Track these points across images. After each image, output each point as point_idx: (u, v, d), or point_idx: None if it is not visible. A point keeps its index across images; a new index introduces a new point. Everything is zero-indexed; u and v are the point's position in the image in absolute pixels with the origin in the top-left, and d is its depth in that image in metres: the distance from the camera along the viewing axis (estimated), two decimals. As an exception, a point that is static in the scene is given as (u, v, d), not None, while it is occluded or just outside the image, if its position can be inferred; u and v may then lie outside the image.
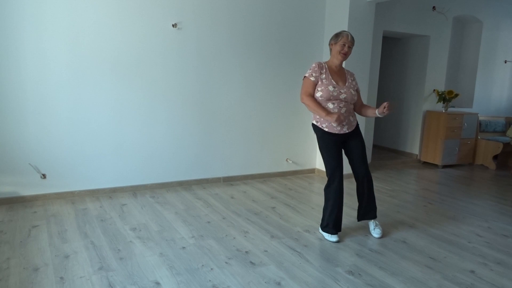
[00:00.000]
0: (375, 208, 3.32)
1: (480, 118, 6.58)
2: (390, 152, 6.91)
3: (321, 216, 3.68)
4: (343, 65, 3.44)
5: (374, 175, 5.40)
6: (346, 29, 4.79)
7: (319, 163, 5.38)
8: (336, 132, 3.08)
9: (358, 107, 3.26)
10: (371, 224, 3.34)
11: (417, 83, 6.45)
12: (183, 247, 2.94)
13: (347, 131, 3.11)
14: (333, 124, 3.03)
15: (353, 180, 3.39)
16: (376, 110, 3.11)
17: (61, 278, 2.45)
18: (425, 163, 6.39)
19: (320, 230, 3.28)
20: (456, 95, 6.13)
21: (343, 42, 3.02)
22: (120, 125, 4.11)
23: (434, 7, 6.05)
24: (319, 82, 3.04)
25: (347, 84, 3.12)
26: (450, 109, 6.36)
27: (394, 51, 6.85)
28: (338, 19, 4.92)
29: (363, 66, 5.03)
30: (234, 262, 2.73)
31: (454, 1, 6.23)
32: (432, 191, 4.76)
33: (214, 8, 4.39)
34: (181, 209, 3.77)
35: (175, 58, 4.27)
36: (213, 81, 4.52)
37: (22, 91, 3.64)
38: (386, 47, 6.73)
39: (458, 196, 4.58)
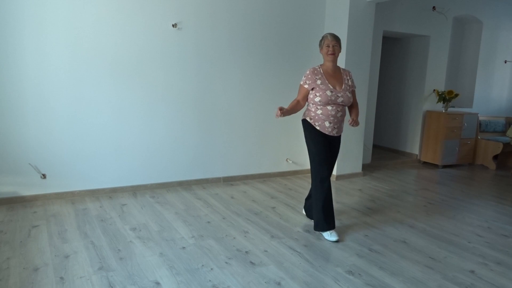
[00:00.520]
0: (333, 216, 3.23)
1: (480, 118, 6.58)
2: (390, 152, 6.91)
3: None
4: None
5: (374, 175, 5.41)
6: (346, 29, 4.79)
7: (319, 163, 5.37)
8: (326, 133, 3.19)
9: (349, 104, 3.30)
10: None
11: (417, 83, 6.45)
12: (183, 247, 2.94)
13: (335, 135, 3.24)
14: (325, 126, 3.16)
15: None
16: (350, 118, 3.22)
17: (61, 278, 2.45)
18: (425, 163, 6.39)
19: (316, 230, 3.24)
20: (456, 95, 6.13)
21: (327, 43, 3.18)
22: (120, 125, 4.11)
23: (434, 7, 6.05)
24: (316, 88, 3.14)
25: (343, 87, 3.19)
26: (450, 109, 6.36)
27: (394, 51, 6.85)
28: (338, 19, 4.92)
29: (363, 66, 5.04)
30: (234, 262, 2.73)
31: (454, 1, 6.23)
32: (432, 191, 4.76)
33: (214, 8, 4.39)
34: (181, 209, 3.77)
35: (175, 58, 4.27)
36: (213, 81, 4.52)
37: (22, 91, 3.64)
38: (386, 47, 6.73)
39: (458, 196, 4.58)
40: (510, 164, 6.52)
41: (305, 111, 3.31)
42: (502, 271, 2.76)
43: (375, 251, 3.00)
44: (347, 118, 3.52)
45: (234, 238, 3.15)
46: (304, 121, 3.28)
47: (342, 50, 4.82)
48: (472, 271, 2.74)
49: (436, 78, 6.40)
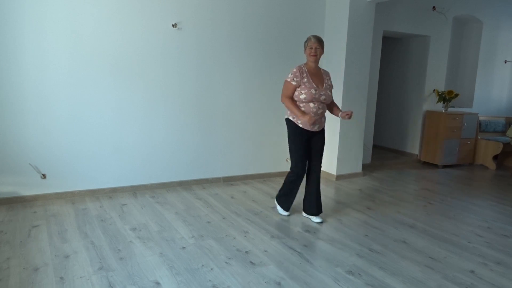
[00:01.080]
0: (321, 202, 3.64)
1: (480, 118, 6.58)
2: (390, 152, 6.91)
3: (321, 216, 3.70)
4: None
5: (374, 175, 5.41)
6: (346, 29, 4.80)
7: (319, 163, 5.38)
8: (308, 129, 3.41)
9: (329, 102, 3.54)
10: (315, 218, 3.60)
11: (417, 83, 6.45)
12: (183, 247, 2.94)
13: (317, 130, 3.47)
14: (307, 122, 3.35)
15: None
16: (340, 113, 3.45)
17: (61, 278, 2.45)
18: (425, 163, 6.39)
19: (275, 201, 3.75)
20: (456, 95, 6.13)
21: (310, 45, 3.38)
22: (120, 125, 4.11)
23: (434, 7, 6.05)
24: (302, 86, 3.34)
25: (324, 86, 3.44)
26: (450, 109, 6.36)
27: (394, 51, 6.85)
28: (338, 19, 4.92)
29: (363, 66, 5.04)
30: (234, 262, 2.73)
31: (454, 1, 6.23)
32: (432, 191, 4.76)
33: (214, 8, 4.39)
34: (181, 209, 3.77)
35: (175, 58, 4.27)
36: (213, 81, 4.52)
37: (22, 91, 3.64)
38: (386, 47, 6.73)
39: (458, 196, 4.58)
40: (510, 164, 6.52)
41: (288, 110, 3.48)
42: (502, 271, 2.76)
43: (375, 251, 3.00)
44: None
45: (234, 238, 3.15)
46: (287, 120, 3.49)
47: (342, 50, 4.87)
48: (472, 271, 2.74)
49: (436, 78, 6.40)
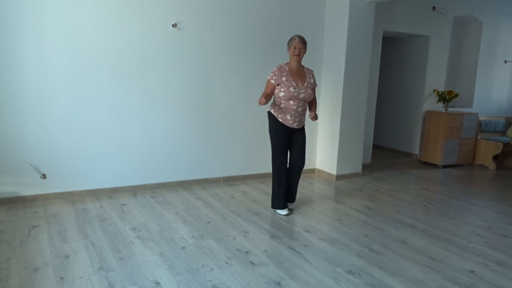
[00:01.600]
0: (296, 193, 3.88)
1: (480, 118, 6.58)
2: (390, 152, 6.91)
3: (321, 216, 3.73)
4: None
5: (374, 175, 5.41)
6: (346, 29, 4.80)
7: (319, 163, 5.38)
8: (287, 125, 3.54)
9: (310, 100, 3.68)
10: (290, 205, 3.85)
11: (417, 83, 6.45)
12: (183, 247, 2.94)
13: (296, 127, 3.59)
14: (286, 118, 3.52)
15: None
16: (310, 112, 3.65)
17: (61, 278, 2.45)
18: (425, 163, 6.39)
19: (276, 210, 3.75)
20: (456, 95, 6.13)
21: (294, 45, 3.51)
22: (120, 125, 4.11)
23: (434, 7, 6.05)
24: (281, 84, 3.47)
25: (305, 84, 3.55)
26: (450, 109, 6.36)
27: (394, 51, 6.85)
28: (338, 19, 4.92)
29: (363, 66, 5.03)
30: (234, 262, 2.73)
31: (454, 1, 6.23)
32: (432, 191, 4.76)
33: (214, 8, 4.39)
34: (181, 209, 3.77)
35: (175, 58, 4.27)
36: (213, 81, 4.52)
37: (22, 91, 3.64)
38: (386, 47, 6.73)
39: (458, 196, 4.58)
40: (510, 164, 6.52)
41: (271, 104, 3.66)
42: (502, 271, 2.76)
43: (375, 251, 3.00)
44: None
45: (234, 238, 3.15)
46: (269, 113, 3.64)
47: (342, 50, 4.87)
48: (472, 271, 2.74)
49: (436, 78, 6.40)
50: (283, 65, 3.56)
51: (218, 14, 4.42)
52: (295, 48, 3.50)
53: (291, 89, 3.47)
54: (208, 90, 4.51)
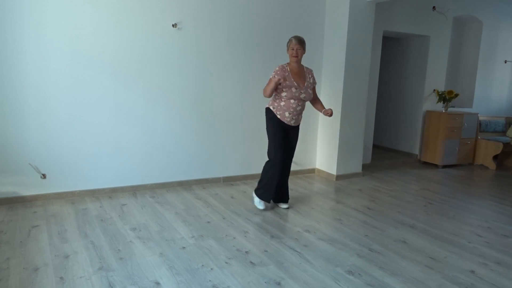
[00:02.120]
0: (288, 192, 3.96)
1: (480, 118, 6.58)
2: (390, 152, 6.91)
3: (321, 216, 3.73)
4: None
5: (374, 175, 5.41)
6: (346, 29, 4.80)
7: (319, 163, 5.38)
8: (285, 122, 3.61)
9: (312, 98, 3.78)
10: (283, 205, 3.92)
11: (417, 83, 6.45)
12: (183, 247, 2.94)
13: (293, 125, 3.69)
14: (284, 115, 3.59)
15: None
16: (323, 110, 3.69)
17: (61, 278, 2.45)
18: (425, 163, 6.39)
19: (253, 194, 3.84)
20: (456, 95, 6.13)
21: (292, 47, 3.57)
22: (120, 125, 4.11)
23: (434, 7, 6.05)
24: (283, 83, 3.52)
25: (306, 84, 3.63)
26: (450, 109, 6.36)
27: (394, 51, 6.85)
28: (338, 19, 4.92)
29: (363, 66, 5.03)
30: (234, 262, 2.73)
31: (454, 1, 6.23)
32: (432, 191, 4.76)
33: (214, 8, 4.39)
34: (181, 209, 3.77)
35: (175, 58, 4.27)
36: (213, 80, 4.52)
37: (23, 91, 3.64)
38: (386, 47, 6.73)
39: (458, 196, 4.58)
40: (510, 164, 6.52)
41: (270, 101, 3.71)
42: (502, 271, 2.76)
43: (375, 251, 3.00)
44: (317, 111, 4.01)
45: (234, 238, 3.15)
46: (268, 109, 3.70)
47: (342, 50, 4.87)
48: (472, 271, 2.74)
49: (436, 78, 6.40)
50: (285, 65, 3.61)
51: (218, 14, 4.42)
52: (292, 49, 3.57)
53: (293, 89, 3.54)
54: (208, 90, 4.51)
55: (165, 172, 4.42)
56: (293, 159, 5.17)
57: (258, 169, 4.99)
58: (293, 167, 5.21)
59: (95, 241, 3.00)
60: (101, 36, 3.88)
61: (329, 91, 5.10)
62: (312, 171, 5.41)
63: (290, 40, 3.61)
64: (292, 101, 3.56)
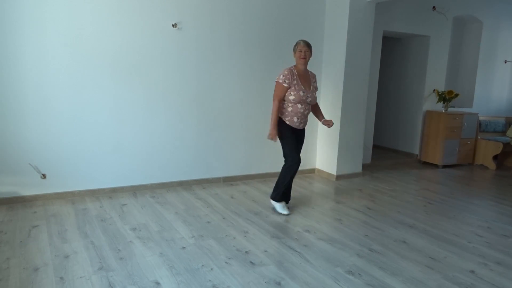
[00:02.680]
0: (290, 194, 3.99)
1: (480, 118, 6.58)
2: (390, 152, 6.91)
3: (321, 216, 3.73)
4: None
5: (374, 175, 5.41)
6: (346, 29, 4.80)
7: (319, 163, 5.38)
8: (294, 127, 3.68)
9: (314, 103, 3.82)
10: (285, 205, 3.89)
11: (417, 83, 6.45)
12: (183, 247, 2.94)
13: (301, 128, 3.75)
14: (293, 120, 3.64)
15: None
16: (322, 120, 3.84)
17: (61, 278, 2.45)
18: (425, 163, 6.39)
19: (272, 202, 3.81)
20: (456, 95, 6.13)
21: (300, 49, 3.60)
22: (120, 125, 4.11)
23: (434, 7, 6.05)
24: (292, 87, 3.55)
25: (311, 88, 3.69)
26: (450, 109, 6.36)
27: (394, 51, 6.85)
28: (338, 19, 4.92)
29: (363, 66, 5.03)
30: (234, 262, 2.73)
31: (454, 1, 6.23)
32: (432, 191, 4.76)
33: (214, 8, 4.39)
34: (181, 209, 3.77)
35: (175, 58, 4.27)
36: (213, 81, 4.52)
37: (22, 91, 3.64)
38: (386, 47, 6.73)
39: (458, 196, 4.58)
40: (510, 164, 6.52)
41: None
42: (502, 271, 2.76)
43: (375, 251, 3.00)
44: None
45: (234, 238, 3.15)
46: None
47: (342, 50, 4.87)
48: (472, 271, 2.74)
49: (436, 78, 6.40)
50: (292, 68, 3.62)
51: (218, 14, 4.42)
52: (300, 51, 3.58)
53: (301, 93, 3.56)
54: (208, 90, 4.51)
55: (165, 172, 4.42)
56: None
57: (258, 169, 5.02)
58: (293, 167, 5.23)
59: (95, 241, 3.00)
60: (101, 36, 3.88)
61: (329, 91, 5.10)
62: (312, 171, 5.41)
63: (297, 43, 3.63)
64: (299, 105, 3.59)
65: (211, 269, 2.62)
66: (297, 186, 4.71)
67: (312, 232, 3.33)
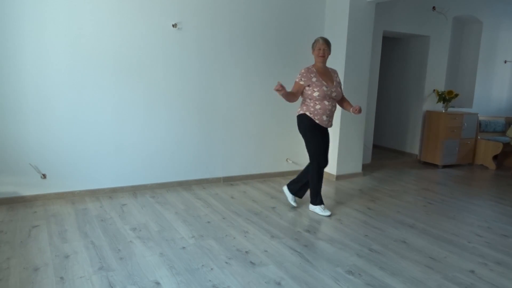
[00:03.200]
0: (305, 193, 3.98)
1: (480, 118, 6.58)
2: (390, 152, 6.91)
3: (321, 216, 3.71)
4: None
5: (374, 175, 5.41)
6: (346, 29, 4.80)
7: (319, 163, 5.38)
8: (323, 126, 3.63)
9: (340, 98, 3.78)
10: (294, 201, 3.95)
11: (417, 83, 6.44)
12: (183, 247, 2.94)
13: (329, 126, 3.73)
14: (323, 119, 3.59)
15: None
16: (351, 108, 3.65)
17: (61, 278, 2.45)
18: (425, 163, 6.39)
19: (314, 207, 3.79)
20: (456, 95, 6.13)
21: (319, 47, 3.60)
22: (120, 125, 4.11)
23: (434, 7, 6.05)
24: (312, 85, 3.54)
25: (334, 83, 3.66)
26: (450, 109, 6.36)
27: (394, 51, 6.85)
28: (338, 19, 4.92)
29: (363, 66, 5.03)
30: (234, 262, 2.73)
31: (454, 1, 6.23)
32: (432, 191, 4.76)
33: (214, 8, 4.39)
34: (181, 209, 3.77)
35: (175, 58, 4.27)
36: (213, 81, 4.52)
37: (23, 91, 3.64)
38: (386, 47, 6.73)
39: (458, 196, 4.58)
40: (510, 164, 6.52)
41: (302, 107, 3.67)
42: (502, 271, 2.76)
43: (375, 251, 3.00)
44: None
45: (234, 238, 3.15)
46: (303, 116, 3.64)
47: (342, 50, 4.87)
48: (472, 271, 2.74)
49: (436, 78, 6.40)
50: (310, 67, 3.64)
51: (218, 14, 4.42)
52: (319, 49, 3.59)
53: (324, 88, 3.54)
54: (208, 90, 4.51)
55: (165, 172, 4.42)
56: (293, 159, 5.22)
57: (258, 169, 5.02)
58: (294, 167, 5.24)
59: (95, 241, 3.00)
60: (101, 36, 3.88)
61: (329, 91, 5.09)
62: (312, 171, 5.41)
63: (317, 41, 3.63)
64: (326, 102, 3.56)
65: (211, 269, 2.63)
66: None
67: (312, 232, 3.34)
